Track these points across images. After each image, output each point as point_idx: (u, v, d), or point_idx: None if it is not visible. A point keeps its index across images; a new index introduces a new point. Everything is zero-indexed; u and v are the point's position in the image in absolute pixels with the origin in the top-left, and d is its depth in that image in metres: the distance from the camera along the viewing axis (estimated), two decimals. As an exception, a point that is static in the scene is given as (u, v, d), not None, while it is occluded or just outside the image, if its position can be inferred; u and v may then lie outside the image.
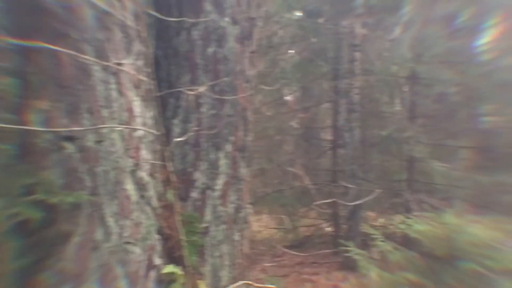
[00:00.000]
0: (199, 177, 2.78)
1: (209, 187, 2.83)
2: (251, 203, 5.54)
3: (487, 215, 5.01)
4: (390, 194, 6.88)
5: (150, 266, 2.14)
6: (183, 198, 2.70)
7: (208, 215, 2.79)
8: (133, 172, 2.07)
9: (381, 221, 7.09)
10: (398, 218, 4.25)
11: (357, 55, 6.23)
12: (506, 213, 5.66)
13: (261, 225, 7.95)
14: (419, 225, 3.85)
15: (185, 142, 2.71)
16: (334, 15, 6.11)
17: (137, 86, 2.16)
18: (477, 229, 3.67)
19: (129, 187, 2.04)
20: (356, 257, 4.11)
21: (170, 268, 2.24)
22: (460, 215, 3.87)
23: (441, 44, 6.36)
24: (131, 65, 2.10)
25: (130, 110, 2.09)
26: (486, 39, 10.15)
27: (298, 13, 6.98)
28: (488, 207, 5.92)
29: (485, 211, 5.74)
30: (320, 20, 6.48)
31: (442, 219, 3.79)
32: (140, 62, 2.20)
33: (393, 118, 7.26)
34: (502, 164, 6.23)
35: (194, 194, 2.76)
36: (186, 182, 2.73)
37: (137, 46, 2.17)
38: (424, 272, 3.72)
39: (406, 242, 4.39)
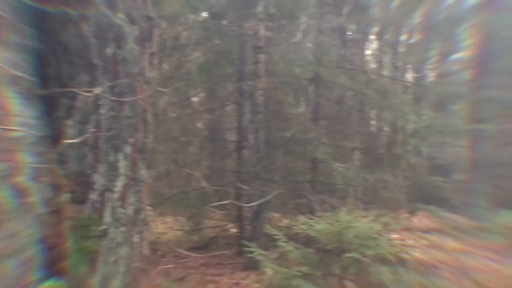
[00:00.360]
0: (98, 179, 2.71)
1: (108, 189, 2.76)
2: (153, 205, 5.42)
3: (372, 210, 5.59)
4: (294, 195, 7.05)
5: (25, 282, 1.97)
6: (81, 201, 2.62)
7: (107, 217, 2.72)
8: (7, 177, 1.88)
9: (285, 222, 7.30)
10: (302, 218, 4.49)
11: (261, 57, 6.33)
12: (384, 206, 6.36)
13: (167, 226, 7.79)
14: (319, 225, 4.17)
15: (83, 144, 2.61)
16: (238, 18, 6.18)
17: (14, 82, 1.98)
18: (361, 223, 4.09)
19: (2, 194, 1.84)
20: (259, 257, 4.29)
21: (49, 283, 2.08)
22: (351, 212, 4.27)
23: (335, 51, 6.84)
24: (3, 58, 1.91)
25: (3, 108, 1.89)
26: (370, 50, 11.26)
27: (203, 14, 6.95)
28: (373, 202, 6.56)
29: (371, 206, 6.35)
30: (224, 22, 6.51)
31: (336, 217, 4.15)
32: (15, 56, 2.01)
33: (297, 120, 7.49)
34: (382, 163, 6.96)
35: (93, 196, 2.68)
36: (84, 184, 2.64)
37: (9, 36, 1.98)
38: (317, 265, 4.05)
39: (308, 241, 4.69)
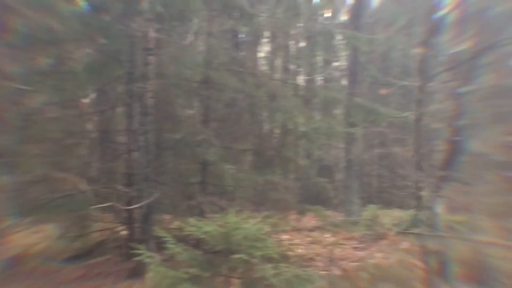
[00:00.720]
0: None
1: None
2: (25, 212, 4.85)
3: (261, 211, 5.82)
4: (185, 197, 7.05)
5: None
6: None
7: None
8: None
9: (176, 223, 7.22)
10: (191, 220, 4.49)
11: (151, 59, 6.22)
12: (274, 208, 6.73)
13: (41, 236, 7.03)
14: (207, 227, 4.20)
15: None
16: (122, 15, 5.87)
17: None
18: (250, 225, 4.23)
19: None
20: (146, 260, 4.17)
21: None
22: (240, 213, 4.39)
23: (226, 53, 6.98)
24: None
25: None
26: (263, 52, 11.77)
27: (82, 5, 6.39)
28: (263, 204, 6.86)
29: (260, 207, 6.62)
30: (108, 19, 6.16)
31: (225, 219, 4.22)
32: None
33: (188, 122, 7.47)
34: (272, 165, 7.31)
35: None
36: None
37: None
38: (205, 266, 4.09)
39: (198, 242, 4.70)
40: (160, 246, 5.06)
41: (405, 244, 7.19)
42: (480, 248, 5.09)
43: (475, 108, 5.67)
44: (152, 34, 5.91)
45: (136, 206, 5.84)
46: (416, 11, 11.37)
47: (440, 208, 5.30)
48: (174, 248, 4.24)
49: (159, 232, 4.72)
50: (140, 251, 4.26)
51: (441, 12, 6.01)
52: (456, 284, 4.89)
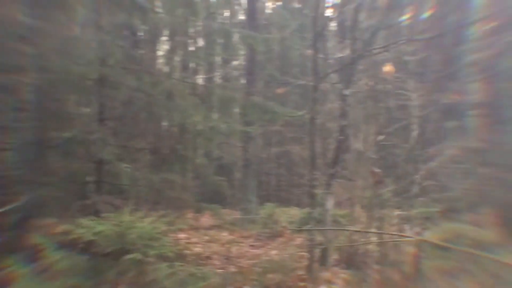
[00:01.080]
0: None
1: None
2: None
3: (157, 210, 5.71)
4: (78, 197, 6.58)
5: None
6: None
7: None
8: None
9: (62, 227, 6.72)
10: (83, 221, 4.20)
11: (27, 48, 5.65)
12: (171, 206, 6.68)
13: None
14: (100, 226, 3.97)
15: None
16: None
17: None
18: (145, 223, 4.13)
19: None
20: (9, 275, 3.73)
21: None
22: (135, 212, 4.25)
23: (122, 51, 6.70)
24: None
25: None
26: (162, 51, 11.52)
27: None
28: (160, 203, 6.75)
29: (157, 206, 6.49)
30: None
31: (119, 218, 4.05)
32: None
33: (81, 120, 7.05)
34: (169, 164, 7.24)
35: None
36: None
37: None
38: (89, 274, 3.83)
39: (88, 246, 4.38)
40: (37, 255, 4.61)
41: (299, 240, 7.59)
42: (352, 236, 5.75)
43: (354, 109, 6.27)
44: (22, 17, 5.30)
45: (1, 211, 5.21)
46: (304, 19, 12.10)
47: (329, 204, 5.70)
48: (53, 255, 3.92)
49: (37, 239, 4.30)
50: (2, 265, 3.81)
51: (324, 21, 6.51)
52: (331, 268, 5.43)
